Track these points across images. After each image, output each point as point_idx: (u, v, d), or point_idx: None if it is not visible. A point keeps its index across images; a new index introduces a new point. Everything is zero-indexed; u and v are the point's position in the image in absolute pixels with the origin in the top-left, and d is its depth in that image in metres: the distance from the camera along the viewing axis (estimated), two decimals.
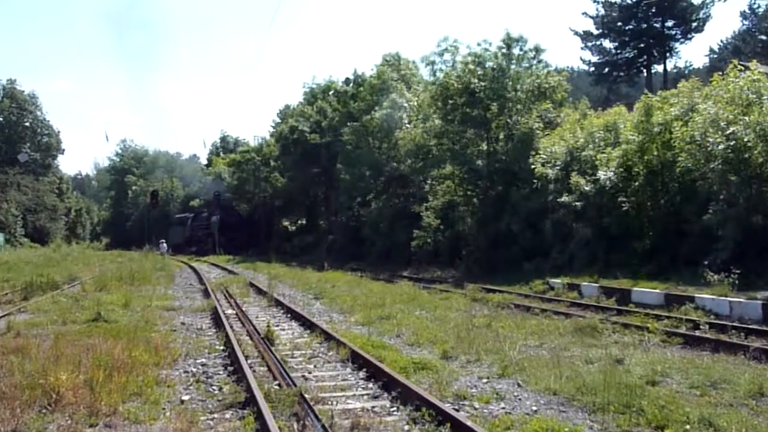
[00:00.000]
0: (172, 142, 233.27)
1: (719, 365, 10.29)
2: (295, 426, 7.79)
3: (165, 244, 58.04)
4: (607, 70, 59.95)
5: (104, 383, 8.84)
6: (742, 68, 20.62)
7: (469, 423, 7.31)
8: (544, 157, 26.84)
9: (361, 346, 11.95)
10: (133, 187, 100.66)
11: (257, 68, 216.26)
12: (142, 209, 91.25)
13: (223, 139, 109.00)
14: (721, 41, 65.91)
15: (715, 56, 64.18)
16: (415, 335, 13.50)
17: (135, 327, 13.89)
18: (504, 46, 31.66)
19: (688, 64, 66.32)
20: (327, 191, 59.14)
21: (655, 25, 55.95)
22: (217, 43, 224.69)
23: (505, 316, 15.78)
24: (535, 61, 32.17)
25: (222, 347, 12.65)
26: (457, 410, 8.25)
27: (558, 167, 26.23)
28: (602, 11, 58.26)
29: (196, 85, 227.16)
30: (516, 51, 31.87)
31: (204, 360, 11.62)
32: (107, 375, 9.15)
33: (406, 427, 7.79)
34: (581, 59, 64.62)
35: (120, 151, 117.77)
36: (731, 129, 18.67)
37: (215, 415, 8.38)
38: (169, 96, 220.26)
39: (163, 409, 8.58)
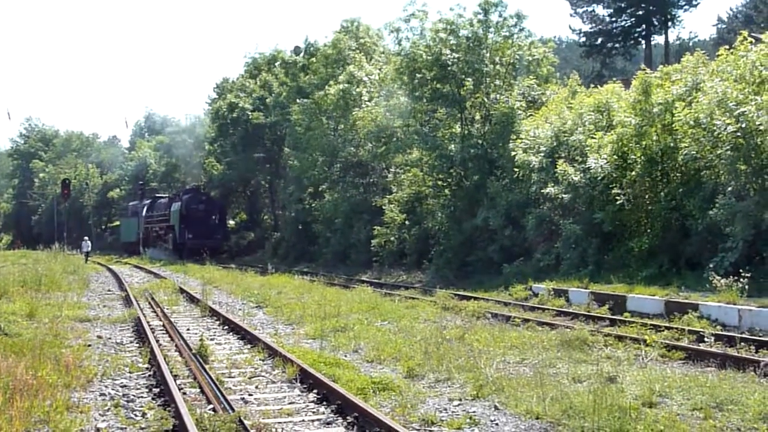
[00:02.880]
0: (88, 121, 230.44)
1: (726, 383, 10.45)
2: None
3: (89, 243, 54.84)
4: (600, 40, 60.52)
5: (4, 409, 8.69)
6: (754, 40, 20.91)
7: None
8: (527, 141, 27.01)
9: (311, 363, 11.93)
10: (41, 175, 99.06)
11: (191, 34, 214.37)
12: (51, 201, 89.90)
13: (149, 117, 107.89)
14: (731, 9, 67.30)
15: (724, 26, 65.32)
16: (376, 350, 13.51)
17: (41, 341, 13.65)
18: (480, 11, 31.76)
19: (692, 36, 67.66)
20: (272, 180, 58.93)
21: None
22: (141, 2, 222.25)
23: (480, 328, 15.84)
24: (516, 30, 32.34)
25: (146, 365, 12.53)
26: None
27: (542, 154, 26.40)
28: None
29: (118, 54, 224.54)
30: (494, 17, 32.01)
31: (124, 381, 11.50)
32: (7, 399, 9.00)
33: None
34: (570, 28, 65.54)
35: (25, 132, 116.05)
36: (741, 110, 18.93)
37: None
38: (85, 66, 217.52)
39: None
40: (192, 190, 57.66)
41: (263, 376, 11.69)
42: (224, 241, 55.82)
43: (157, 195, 64.42)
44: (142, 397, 10.52)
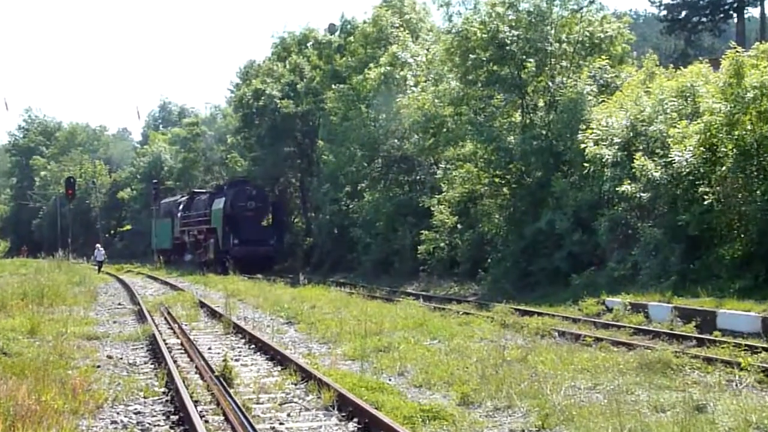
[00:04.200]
0: (95, 112, 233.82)
1: None
2: None
3: (102, 251, 54.11)
4: (684, 14, 60.00)
5: None
6: None
7: None
8: (599, 132, 26.83)
9: (350, 387, 11.95)
10: (42, 173, 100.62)
11: (211, 13, 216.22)
12: (53, 202, 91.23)
13: (164, 107, 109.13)
14: None
15: None
16: (425, 373, 13.51)
17: (45, 362, 13.85)
18: None
19: None
20: (304, 178, 59.14)
21: None
22: None
23: (545, 348, 15.80)
24: (585, 3, 32.20)
25: (162, 389, 12.64)
26: None
27: (617, 146, 26.22)
28: None
29: (128, 37, 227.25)
30: None
31: (138, 407, 11.61)
32: (9, 426, 9.14)
33: None
34: (649, 1, 64.64)
35: (24, 124, 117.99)
36: None
37: None
38: (91, 51, 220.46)
39: None
40: (238, 182, 53.98)
41: (296, 402, 11.72)
42: (280, 249, 52.33)
43: (196, 191, 61.49)
44: (158, 425, 10.60)
